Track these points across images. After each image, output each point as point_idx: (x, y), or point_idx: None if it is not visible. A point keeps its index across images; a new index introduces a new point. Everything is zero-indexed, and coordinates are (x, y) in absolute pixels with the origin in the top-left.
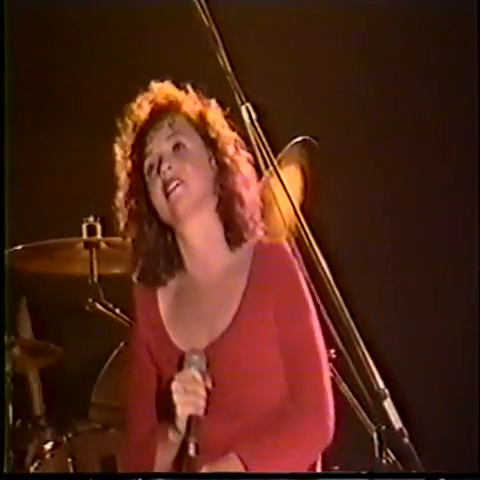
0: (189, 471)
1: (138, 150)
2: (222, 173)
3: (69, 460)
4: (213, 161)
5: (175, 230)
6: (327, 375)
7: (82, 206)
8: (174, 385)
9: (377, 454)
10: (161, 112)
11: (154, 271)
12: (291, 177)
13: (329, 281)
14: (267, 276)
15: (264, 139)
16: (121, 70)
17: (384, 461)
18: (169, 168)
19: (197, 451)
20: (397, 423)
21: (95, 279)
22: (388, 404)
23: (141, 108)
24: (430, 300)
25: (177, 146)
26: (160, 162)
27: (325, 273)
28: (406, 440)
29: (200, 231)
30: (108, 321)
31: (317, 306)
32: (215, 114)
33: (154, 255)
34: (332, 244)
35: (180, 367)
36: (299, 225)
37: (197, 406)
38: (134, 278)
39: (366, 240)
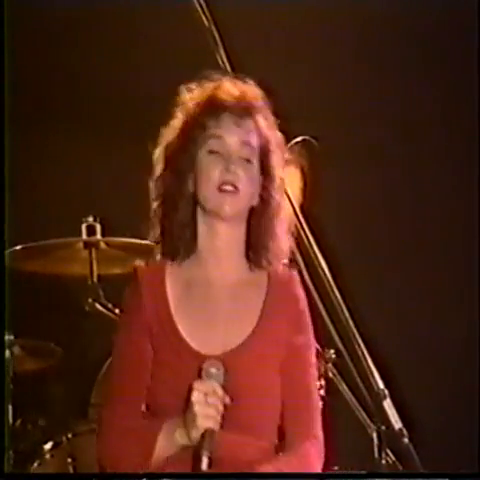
0: None
1: (206, 120)
2: (262, 206)
3: (69, 460)
4: (260, 188)
5: (209, 219)
6: (319, 412)
7: (82, 206)
8: (195, 395)
9: (377, 454)
10: (246, 108)
11: (178, 240)
12: (291, 177)
13: (329, 281)
14: (282, 304)
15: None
16: (121, 70)
17: (384, 461)
18: (235, 169)
19: (210, 465)
20: (397, 423)
21: (95, 279)
22: (388, 404)
23: (226, 85)
24: (430, 300)
25: (245, 157)
26: (228, 157)
27: (325, 273)
28: (406, 440)
29: (230, 235)
30: (108, 321)
31: (317, 310)
32: (278, 145)
33: (181, 226)
34: (332, 244)
35: (190, 365)
36: (299, 225)
37: (215, 421)
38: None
39: (365, 240)
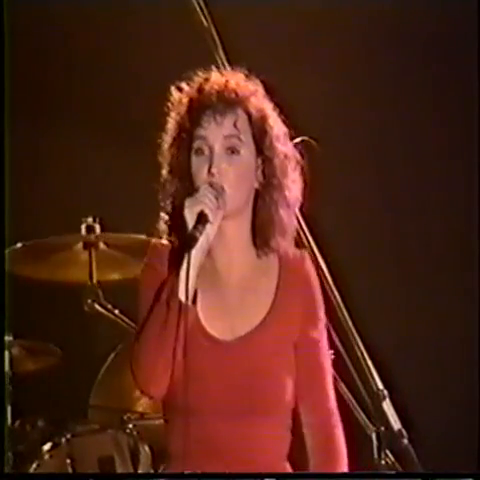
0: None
1: (190, 125)
2: (265, 188)
3: (68, 461)
4: (259, 173)
5: None
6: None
7: (81, 206)
8: (186, 200)
9: (376, 455)
10: (228, 100)
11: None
12: None
13: (328, 282)
14: (295, 287)
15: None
16: (120, 70)
17: (383, 462)
18: (217, 171)
19: (199, 236)
20: (396, 424)
21: (94, 280)
22: (387, 405)
23: (211, 80)
24: (429, 301)
25: (232, 149)
26: (211, 157)
27: (324, 274)
28: (405, 441)
29: (234, 228)
30: (107, 322)
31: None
32: (275, 122)
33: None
34: (331, 245)
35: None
36: (298, 225)
37: (205, 204)
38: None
39: (365, 241)
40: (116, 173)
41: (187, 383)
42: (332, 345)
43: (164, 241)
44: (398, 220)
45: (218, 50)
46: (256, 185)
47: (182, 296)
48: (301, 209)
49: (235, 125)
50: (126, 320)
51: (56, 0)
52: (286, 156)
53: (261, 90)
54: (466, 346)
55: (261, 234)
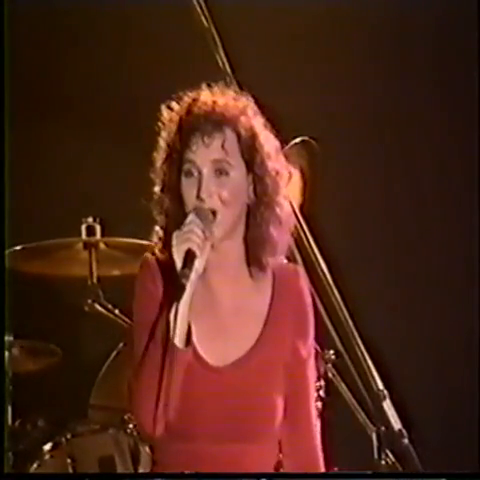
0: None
1: (180, 147)
2: (257, 204)
3: (68, 461)
4: (251, 190)
5: None
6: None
7: (81, 207)
8: (174, 235)
9: (376, 455)
10: (215, 124)
11: None
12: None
13: (328, 282)
14: (288, 303)
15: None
16: (121, 71)
17: (383, 462)
18: (207, 195)
19: (186, 282)
20: (396, 424)
21: (94, 280)
22: (387, 405)
23: (201, 100)
24: (429, 301)
25: (221, 171)
26: (200, 180)
27: (324, 274)
28: (405, 441)
29: (228, 246)
30: (107, 322)
31: (317, 311)
32: (265, 139)
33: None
34: (331, 245)
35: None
36: (298, 226)
37: (192, 241)
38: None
39: (365, 241)
40: (116, 173)
41: (179, 408)
42: (332, 345)
43: (157, 253)
44: (398, 220)
45: (218, 50)
46: (248, 201)
47: (175, 341)
48: (301, 209)
49: (223, 147)
50: (126, 320)
51: (57, 1)
52: (278, 173)
53: (251, 107)
54: (466, 346)
55: (253, 252)
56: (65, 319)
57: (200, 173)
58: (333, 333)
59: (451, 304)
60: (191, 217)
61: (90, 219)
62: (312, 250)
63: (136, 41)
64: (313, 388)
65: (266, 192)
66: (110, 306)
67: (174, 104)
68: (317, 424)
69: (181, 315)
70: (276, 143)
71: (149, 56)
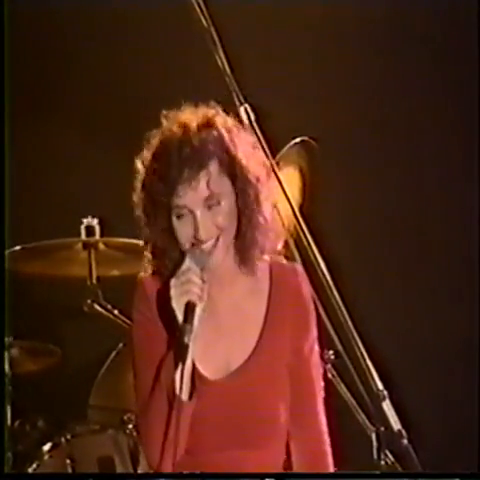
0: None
1: (164, 198)
2: (245, 214)
3: (67, 461)
4: (240, 202)
5: None
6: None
7: (81, 207)
8: (172, 283)
9: (376, 455)
10: (197, 164)
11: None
12: (290, 178)
13: (328, 282)
14: (286, 302)
15: (263, 140)
16: (120, 70)
17: (383, 462)
18: (204, 232)
19: (189, 339)
20: (396, 424)
21: (94, 280)
22: (387, 405)
23: (171, 146)
24: (430, 301)
25: (211, 205)
26: (194, 219)
27: (324, 274)
28: (405, 441)
29: (220, 257)
30: (107, 322)
31: (316, 311)
32: (245, 150)
33: (171, 259)
34: (331, 245)
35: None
36: (298, 226)
37: (191, 293)
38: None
39: (365, 241)
40: (116, 173)
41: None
42: (332, 345)
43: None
44: (398, 220)
45: (218, 50)
46: (237, 213)
47: (179, 393)
48: (301, 209)
49: (209, 184)
50: (126, 320)
51: (57, 1)
52: (258, 180)
53: (219, 116)
54: (466, 346)
55: (242, 255)
56: (65, 319)
57: (192, 212)
58: (333, 333)
59: (451, 304)
60: (187, 263)
61: (89, 219)
62: (312, 250)
63: (135, 41)
64: (319, 385)
65: (248, 201)
66: (109, 306)
67: (145, 152)
68: (324, 421)
69: (187, 375)
70: (250, 139)
71: (149, 56)
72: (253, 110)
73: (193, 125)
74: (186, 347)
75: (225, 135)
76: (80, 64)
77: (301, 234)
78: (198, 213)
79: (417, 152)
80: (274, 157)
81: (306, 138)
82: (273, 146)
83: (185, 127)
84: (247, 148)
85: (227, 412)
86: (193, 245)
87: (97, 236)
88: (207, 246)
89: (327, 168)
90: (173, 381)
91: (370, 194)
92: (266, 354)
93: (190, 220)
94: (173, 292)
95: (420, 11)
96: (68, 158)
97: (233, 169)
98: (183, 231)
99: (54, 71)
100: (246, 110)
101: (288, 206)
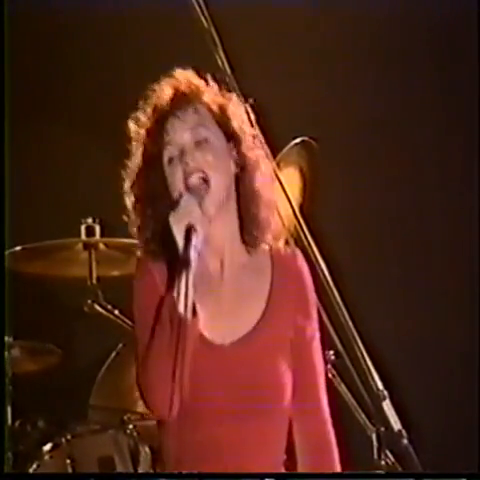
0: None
1: (158, 137)
2: (243, 170)
3: (68, 461)
4: (234, 156)
5: None
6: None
7: (81, 207)
8: (171, 216)
9: (376, 455)
10: (183, 100)
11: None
12: (290, 178)
13: (328, 282)
14: (288, 285)
15: (263, 140)
16: (120, 71)
17: (383, 462)
18: (192, 160)
19: (191, 256)
20: (396, 424)
21: (94, 280)
22: (387, 405)
23: (163, 91)
24: (430, 302)
25: (200, 142)
26: (182, 153)
27: (324, 274)
28: (405, 441)
29: (221, 228)
30: (107, 322)
31: (317, 309)
32: (236, 108)
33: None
34: (331, 245)
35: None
36: (298, 226)
37: (190, 216)
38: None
39: (365, 241)
40: (116, 174)
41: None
42: (332, 345)
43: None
44: (399, 220)
45: (218, 50)
46: (234, 170)
47: (182, 311)
48: (301, 209)
49: (197, 112)
50: (126, 320)
51: (57, 2)
52: (254, 137)
53: (213, 86)
54: (466, 346)
55: (246, 228)
56: (65, 319)
57: (182, 148)
58: (333, 334)
59: (451, 304)
60: (185, 197)
61: (90, 220)
62: (312, 250)
63: (135, 41)
64: (321, 369)
65: (245, 154)
66: (109, 306)
67: (139, 114)
68: (326, 406)
69: (190, 292)
70: (245, 116)
71: (149, 56)
72: (253, 110)
73: (184, 88)
74: (187, 262)
75: (217, 95)
76: (80, 65)
77: (301, 234)
78: (185, 139)
79: (417, 152)
80: (275, 157)
81: (306, 138)
82: (273, 146)
83: (177, 89)
84: (241, 112)
85: (230, 376)
86: (190, 190)
87: (97, 236)
88: (196, 183)
89: (327, 168)
90: (175, 310)
91: (370, 194)
92: (270, 327)
93: (179, 161)
94: (172, 220)
95: (420, 11)
96: (68, 159)
97: (226, 121)
98: (175, 176)
99: (54, 72)
100: (246, 110)
101: (288, 206)
